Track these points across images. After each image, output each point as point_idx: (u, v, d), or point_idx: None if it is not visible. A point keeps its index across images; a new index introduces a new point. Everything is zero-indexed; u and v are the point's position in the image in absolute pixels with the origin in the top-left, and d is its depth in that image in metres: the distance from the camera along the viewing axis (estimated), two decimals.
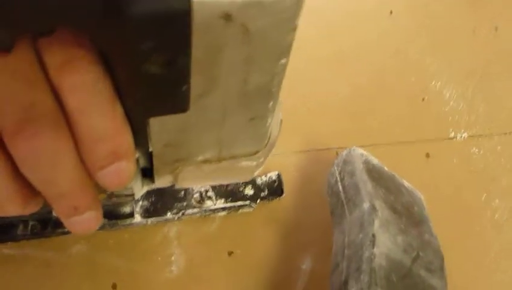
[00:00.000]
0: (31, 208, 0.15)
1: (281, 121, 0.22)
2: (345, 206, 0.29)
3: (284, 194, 0.33)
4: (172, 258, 0.31)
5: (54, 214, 0.30)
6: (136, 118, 0.14)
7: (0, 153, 0.13)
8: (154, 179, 0.20)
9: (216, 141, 0.18)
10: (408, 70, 0.40)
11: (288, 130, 0.23)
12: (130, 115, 0.14)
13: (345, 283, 0.26)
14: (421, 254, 0.27)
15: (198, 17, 0.11)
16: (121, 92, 0.13)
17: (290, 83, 0.18)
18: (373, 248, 0.25)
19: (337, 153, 0.35)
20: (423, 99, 0.39)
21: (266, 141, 0.20)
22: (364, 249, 0.26)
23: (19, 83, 0.12)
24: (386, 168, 0.31)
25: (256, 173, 0.22)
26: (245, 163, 0.20)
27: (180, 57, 0.12)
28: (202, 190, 0.31)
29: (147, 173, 0.20)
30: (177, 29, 0.11)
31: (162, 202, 0.32)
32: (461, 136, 0.38)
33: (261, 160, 0.20)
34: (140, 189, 0.20)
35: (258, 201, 0.32)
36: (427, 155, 0.37)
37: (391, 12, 0.42)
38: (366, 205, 0.27)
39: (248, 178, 0.22)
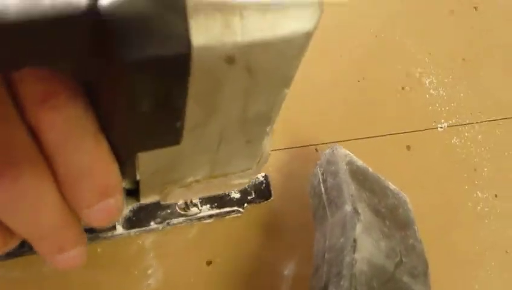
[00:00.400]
0: (11, 246, 0.14)
1: (273, 130, 0.21)
2: (327, 208, 0.28)
3: (272, 197, 0.32)
4: (149, 271, 0.30)
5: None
6: (124, 153, 0.13)
7: None
8: (139, 198, 0.19)
9: (209, 162, 0.17)
10: (388, 57, 0.39)
11: None
12: (116, 149, 0.13)
13: (325, 287, 0.25)
14: (404, 259, 0.27)
15: (198, 60, 0.10)
16: (107, 127, 0.12)
17: None
18: (354, 253, 0.25)
19: (316, 150, 0.34)
20: (403, 88, 0.38)
21: (259, 158, 0.19)
22: (345, 253, 0.25)
23: None
24: (370, 170, 0.30)
25: (248, 184, 0.21)
26: (237, 181, 0.19)
27: (176, 98, 0.11)
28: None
29: (132, 192, 0.18)
30: (174, 73, 0.10)
31: (144, 211, 0.30)
32: (442, 126, 0.37)
33: (253, 176, 0.20)
34: (124, 210, 0.19)
35: (245, 205, 0.31)
36: (408, 147, 0.36)
37: None
38: (348, 208, 0.26)
39: (238, 189, 0.22)
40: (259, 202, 0.32)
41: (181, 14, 0.09)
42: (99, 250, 0.30)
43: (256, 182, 0.32)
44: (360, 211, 0.26)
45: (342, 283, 0.24)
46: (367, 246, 0.25)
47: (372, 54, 0.39)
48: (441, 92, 0.39)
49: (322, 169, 0.30)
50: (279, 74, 0.12)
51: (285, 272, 0.31)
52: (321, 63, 0.38)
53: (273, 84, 0.13)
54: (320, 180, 0.29)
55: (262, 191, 0.32)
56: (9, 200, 0.11)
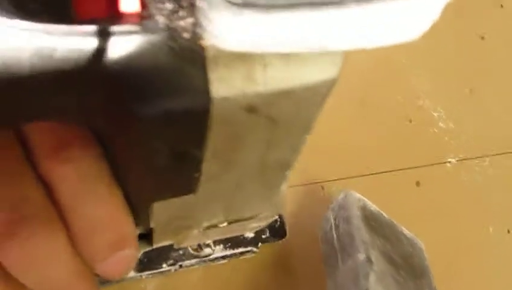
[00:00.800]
0: None
1: None
2: (339, 256, 0.27)
3: (287, 236, 0.31)
4: None
5: None
6: (139, 203, 0.13)
7: None
8: (152, 243, 0.18)
9: (224, 208, 0.16)
10: (393, 88, 0.38)
11: None
12: (131, 200, 0.12)
13: None
14: None
15: (218, 112, 0.10)
16: (122, 178, 0.12)
17: None
18: None
19: (322, 188, 0.34)
20: (410, 121, 0.37)
21: (277, 201, 0.18)
22: None
23: (4, 176, 0.10)
24: (385, 215, 0.30)
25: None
26: (254, 224, 0.19)
27: (194, 151, 0.11)
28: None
29: (144, 236, 0.18)
30: (193, 126, 0.10)
31: (156, 253, 0.30)
32: (451, 161, 0.37)
33: (270, 219, 0.19)
34: (137, 255, 0.19)
35: (259, 245, 0.31)
36: (417, 183, 0.35)
37: None
38: (361, 256, 0.26)
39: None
40: (274, 241, 0.31)
41: (200, 66, 0.09)
42: None
43: (271, 221, 0.32)
44: (373, 259, 0.25)
45: None
46: None
47: (378, 86, 0.38)
48: (450, 124, 0.38)
49: (334, 214, 0.29)
50: (301, 122, 0.12)
51: None
52: None
53: (294, 131, 0.12)
54: (332, 225, 0.29)
55: (277, 230, 0.32)
56: (22, 257, 0.11)
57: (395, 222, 0.30)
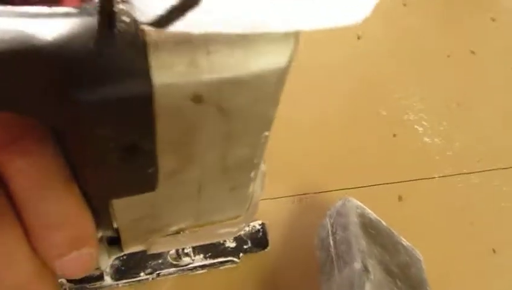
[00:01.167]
0: None
1: (264, 174, 0.20)
2: (335, 263, 0.27)
3: (269, 246, 0.31)
4: None
5: None
6: (97, 200, 0.12)
7: None
8: (122, 248, 0.18)
9: (192, 211, 0.16)
10: (378, 102, 0.38)
11: None
12: (89, 197, 0.12)
13: None
14: None
15: (162, 100, 0.10)
16: (77, 174, 0.11)
17: None
18: None
19: (300, 201, 0.33)
20: (394, 136, 0.37)
21: (248, 205, 0.18)
22: None
23: None
24: (383, 223, 0.29)
25: (238, 234, 0.20)
26: (225, 229, 0.18)
27: (143, 143, 0.10)
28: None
29: (114, 241, 0.18)
30: (138, 115, 0.10)
31: (134, 261, 0.29)
32: (436, 176, 0.35)
33: (243, 225, 0.19)
34: (106, 260, 0.18)
35: (241, 255, 0.30)
36: (400, 198, 0.34)
37: (359, 37, 0.40)
38: (357, 265, 0.25)
39: (229, 238, 0.21)
40: (256, 251, 0.31)
41: (141, 52, 0.09)
42: None
43: (253, 231, 0.31)
44: (370, 268, 0.25)
45: None
46: None
47: (361, 99, 0.38)
48: (435, 139, 0.37)
49: (331, 220, 0.28)
50: (256, 115, 0.11)
51: None
52: (305, 107, 0.36)
53: (251, 126, 0.12)
54: (330, 232, 0.28)
55: (259, 240, 0.31)
56: None
57: (393, 231, 0.29)
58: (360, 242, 0.26)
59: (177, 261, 0.29)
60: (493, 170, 0.36)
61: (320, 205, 0.33)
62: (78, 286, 0.28)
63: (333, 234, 0.28)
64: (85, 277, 0.28)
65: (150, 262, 0.29)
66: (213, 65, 0.09)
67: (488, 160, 0.36)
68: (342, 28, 0.38)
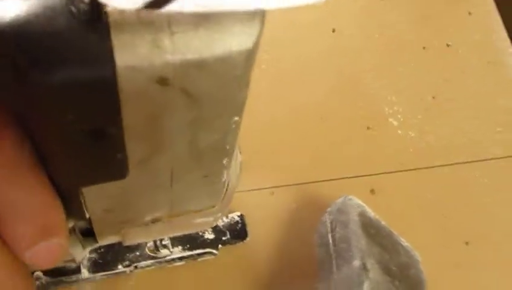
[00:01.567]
0: None
1: (241, 163, 0.20)
2: (334, 261, 0.27)
3: (248, 237, 0.31)
4: None
5: None
6: (65, 188, 0.12)
7: None
8: (96, 239, 0.18)
9: (165, 200, 0.16)
10: (352, 95, 0.37)
11: None
12: (57, 184, 0.12)
13: None
14: None
15: (127, 83, 0.09)
16: (45, 161, 0.11)
17: None
18: None
19: (272, 193, 0.33)
20: (368, 128, 0.36)
21: (223, 194, 0.18)
22: None
23: None
24: (383, 223, 0.29)
25: (215, 224, 0.20)
26: (201, 220, 0.18)
27: (109, 127, 0.10)
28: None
29: (89, 232, 0.17)
30: (101, 98, 0.09)
31: (112, 253, 0.29)
32: (409, 169, 0.35)
33: (219, 215, 0.19)
34: (81, 252, 0.18)
35: (219, 246, 0.30)
36: (372, 191, 0.34)
37: (334, 30, 0.39)
38: (356, 263, 0.25)
39: (207, 228, 0.21)
40: (235, 243, 0.31)
41: (103, 32, 0.09)
42: None
43: (232, 222, 0.31)
44: (369, 267, 0.25)
45: None
46: None
47: (336, 92, 0.37)
48: (410, 132, 0.37)
49: (331, 217, 0.28)
50: (224, 99, 0.11)
51: None
52: (280, 100, 0.36)
53: (219, 111, 0.12)
54: (329, 229, 0.28)
55: (238, 232, 0.31)
56: None
57: (393, 231, 0.29)
58: (359, 241, 0.26)
59: (155, 253, 0.29)
60: (466, 162, 0.36)
61: (294, 197, 0.33)
62: (55, 279, 0.27)
63: (332, 231, 0.28)
64: (62, 270, 0.27)
65: (127, 255, 0.29)
66: (177, 46, 0.09)
67: (462, 153, 0.36)
68: (316, 21, 0.37)
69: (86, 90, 0.09)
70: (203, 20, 0.09)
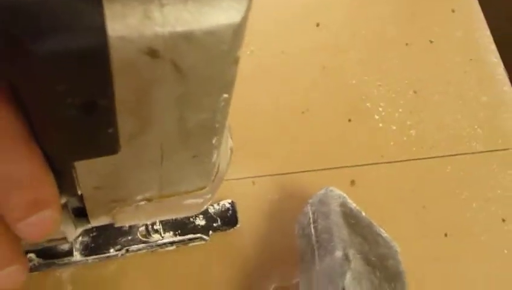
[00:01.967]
0: None
1: (232, 149, 0.21)
2: (316, 252, 0.27)
3: (239, 224, 0.31)
4: None
5: None
6: (58, 162, 0.13)
7: None
8: (89, 219, 0.18)
9: (156, 179, 0.16)
10: (334, 88, 0.37)
11: None
12: (50, 158, 0.12)
13: None
14: None
15: (118, 54, 0.10)
16: (37, 133, 0.11)
17: None
18: None
19: (253, 183, 0.33)
20: (349, 121, 0.37)
21: (213, 176, 0.19)
22: None
23: None
24: (363, 214, 0.29)
25: (205, 207, 0.21)
26: (191, 201, 0.19)
27: (101, 99, 0.10)
28: (148, 222, 0.29)
29: (81, 213, 0.18)
30: (93, 68, 0.10)
31: (104, 237, 0.29)
32: (389, 161, 0.35)
33: (209, 196, 0.19)
34: (73, 231, 0.19)
35: (210, 232, 0.31)
36: (352, 183, 0.34)
37: (318, 24, 0.39)
38: (338, 254, 0.25)
39: (197, 212, 0.21)
40: (226, 230, 0.31)
41: (95, 3, 0.09)
42: None
43: (223, 209, 0.32)
44: (351, 258, 0.25)
45: None
46: None
47: (318, 85, 0.37)
48: (391, 125, 0.37)
49: (313, 208, 0.28)
50: (212, 74, 0.12)
51: None
52: (263, 92, 0.36)
53: (208, 86, 0.12)
54: (311, 220, 0.28)
55: (229, 218, 0.32)
56: None
57: (373, 222, 0.29)
58: (341, 231, 0.26)
59: (147, 237, 0.30)
60: (447, 156, 0.37)
61: (275, 187, 0.33)
62: (47, 261, 0.28)
63: (314, 222, 0.28)
64: (54, 252, 0.28)
65: (119, 239, 0.29)
66: (166, 18, 0.10)
67: (442, 147, 0.37)
68: (300, 15, 0.37)
69: (78, 60, 0.09)
70: None
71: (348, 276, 0.24)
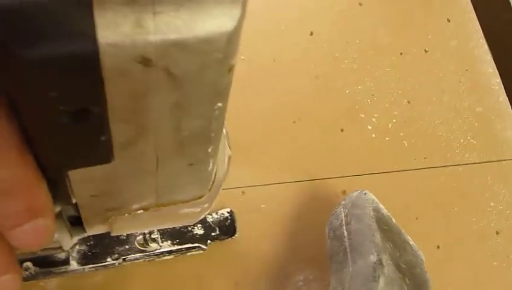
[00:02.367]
0: None
1: (230, 157, 0.21)
2: (348, 254, 0.26)
3: (237, 233, 0.31)
4: None
5: None
6: (51, 170, 0.12)
7: None
8: (85, 228, 0.18)
9: (152, 188, 0.16)
10: (327, 98, 0.37)
11: None
12: (43, 167, 0.12)
13: None
14: None
15: (110, 62, 0.10)
16: (30, 141, 0.11)
17: None
18: None
19: (243, 193, 0.33)
20: (342, 130, 0.36)
21: (210, 185, 0.18)
22: None
23: None
24: (394, 220, 0.29)
25: (203, 216, 0.21)
26: (188, 210, 0.19)
27: (93, 107, 0.10)
28: (146, 231, 0.29)
29: (77, 221, 0.18)
30: (84, 76, 0.10)
31: (101, 246, 0.29)
32: (382, 172, 0.35)
33: (206, 205, 0.19)
34: (69, 240, 0.18)
35: (208, 242, 0.31)
36: (344, 192, 0.34)
37: (311, 33, 0.39)
38: (372, 258, 0.25)
39: (194, 221, 0.21)
40: (224, 239, 0.31)
41: (86, 9, 0.09)
42: None
43: (221, 218, 0.32)
44: (384, 263, 0.25)
45: None
46: None
47: (310, 94, 0.37)
48: (384, 136, 0.37)
49: (346, 211, 0.28)
50: (206, 83, 0.11)
51: None
52: (254, 100, 0.35)
53: (202, 94, 0.12)
54: (343, 222, 0.28)
55: (227, 228, 0.31)
56: None
57: (401, 230, 0.29)
58: (375, 235, 0.26)
59: (145, 247, 0.29)
60: (439, 167, 0.36)
61: (265, 197, 0.33)
62: (43, 269, 0.28)
63: (347, 224, 0.27)
64: (51, 260, 0.28)
65: (117, 248, 0.29)
66: (159, 26, 0.10)
67: (435, 158, 0.37)
68: (294, 23, 0.37)
69: (69, 67, 0.09)
70: (185, 0, 0.10)
71: (381, 281, 0.24)
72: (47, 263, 0.28)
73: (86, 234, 0.18)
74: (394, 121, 0.38)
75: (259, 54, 0.38)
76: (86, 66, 0.09)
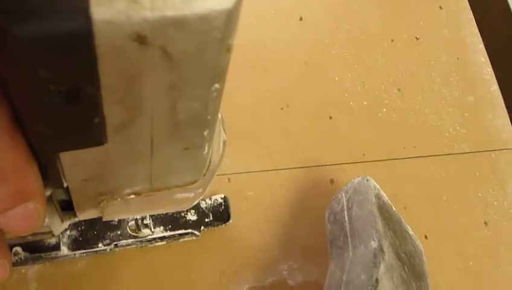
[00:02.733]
0: None
1: (225, 142, 0.20)
2: (349, 239, 0.26)
3: (231, 220, 0.31)
4: None
5: None
6: (42, 152, 0.12)
7: None
8: (75, 213, 0.18)
9: (146, 172, 0.16)
10: (316, 85, 0.36)
11: None
12: (35, 149, 0.12)
13: None
14: None
15: (104, 39, 0.09)
16: (22, 123, 0.11)
17: None
18: None
19: (229, 180, 0.32)
20: (330, 118, 0.36)
21: (205, 170, 0.18)
22: None
23: None
24: (394, 208, 0.29)
25: (197, 201, 0.21)
26: (181, 195, 0.18)
27: (86, 87, 0.10)
28: (138, 217, 0.29)
29: (68, 206, 0.17)
30: (77, 54, 0.09)
31: (92, 232, 0.29)
32: (370, 160, 0.35)
33: (200, 190, 0.19)
34: (59, 225, 0.18)
35: (202, 228, 0.31)
36: (332, 181, 0.34)
37: (301, 18, 0.38)
38: (374, 244, 0.25)
39: (188, 207, 0.21)
40: (217, 225, 0.31)
41: None
42: None
43: (215, 204, 0.32)
44: (385, 250, 0.25)
45: None
46: (387, 289, 0.24)
47: (299, 80, 0.36)
48: (373, 123, 0.36)
49: (347, 196, 0.28)
50: (203, 63, 0.11)
51: None
52: (241, 86, 0.35)
53: (199, 75, 0.12)
54: (345, 207, 0.28)
55: (221, 214, 0.31)
56: None
57: (402, 219, 0.29)
58: (377, 222, 0.26)
59: (137, 232, 0.29)
60: (429, 156, 0.36)
61: (251, 185, 0.33)
62: (33, 255, 0.28)
63: (348, 209, 0.27)
64: (41, 246, 0.28)
65: (108, 233, 0.29)
66: (155, 2, 0.09)
67: (425, 147, 0.36)
68: (284, 8, 0.36)
69: (61, 44, 0.09)
70: None
71: (382, 267, 0.24)
72: (37, 248, 0.27)
73: (77, 219, 0.18)
74: (384, 110, 0.37)
75: (247, 39, 0.37)
76: (79, 44, 0.09)
